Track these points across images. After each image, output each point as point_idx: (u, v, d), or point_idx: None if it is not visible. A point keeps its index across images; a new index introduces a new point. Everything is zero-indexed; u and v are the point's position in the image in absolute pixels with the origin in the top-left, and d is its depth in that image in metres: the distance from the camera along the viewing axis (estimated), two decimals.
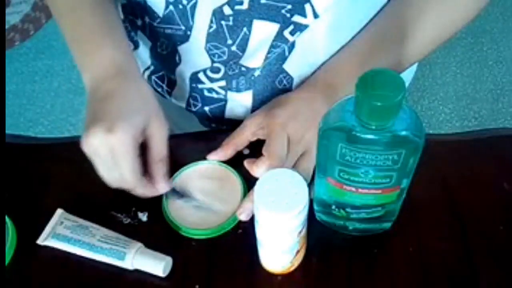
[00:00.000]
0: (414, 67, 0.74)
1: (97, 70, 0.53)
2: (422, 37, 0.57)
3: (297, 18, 0.55)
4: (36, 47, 2.00)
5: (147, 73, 0.69)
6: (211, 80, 0.63)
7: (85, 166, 0.50)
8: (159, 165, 0.52)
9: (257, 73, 0.61)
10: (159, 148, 0.52)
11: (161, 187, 0.53)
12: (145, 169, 0.52)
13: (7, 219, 0.54)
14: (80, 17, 0.56)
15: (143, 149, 0.52)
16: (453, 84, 1.84)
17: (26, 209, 0.57)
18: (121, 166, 0.49)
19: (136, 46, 0.68)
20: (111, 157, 0.49)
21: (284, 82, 0.62)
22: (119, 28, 0.57)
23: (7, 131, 0.62)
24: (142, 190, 0.52)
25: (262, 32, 0.56)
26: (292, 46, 0.58)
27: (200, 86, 0.64)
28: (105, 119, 0.48)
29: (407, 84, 0.70)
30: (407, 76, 0.73)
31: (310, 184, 0.52)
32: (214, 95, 0.65)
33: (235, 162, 0.57)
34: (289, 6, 0.54)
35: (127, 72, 0.54)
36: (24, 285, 0.52)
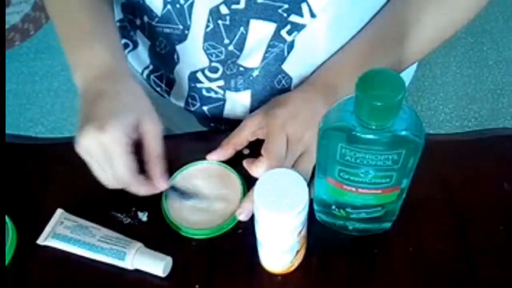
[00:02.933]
0: (414, 66, 0.74)
1: (88, 70, 0.53)
2: (422, 36, 0.57)
3: (294, 18, 0.55)
4: (36, 47, 2.00)
5: (146, 72, 0.69)
6: (210, 79, 0.63)
7: (85, 166, 0.50)
8: (155, 162, 0.52)
9: (255, 73, 0.61)
10: (154, 145, 0.52)
11: (160, 184, 0.53)
12: (142, 168, 0.52)
13: (7, 219, 0.54)
14: (73, 16, 0.56)
15: (138, 149, 0.52)
16: (453, 84, 1.84)
17: (26, 209, 0.57)
18: (115, 164, 0.49)
19: (135, 46, 0.68)
20: (105, 156, 0.49)
21: (283, 82, 0.62)
22: (112, 29, 0.57)
23: (7, 131, 0.62)
24: (139, 188, 0.52)
25: (259, 31, 0.56)
26: (291, 46, 0.58)
27: (198, 85, 0.64)
28: (96, 118, 0.49)
29: (407, 84, 0.70)
30: (407, 75, 0.73)
31: (310, 184, 0.52)
32: (213, 94, 0.65)
33: (235, 162, 0.57)
34: (286, 6, 0.54)
35: (118, 72, 0.54)
36: (24, 285, 0.52)
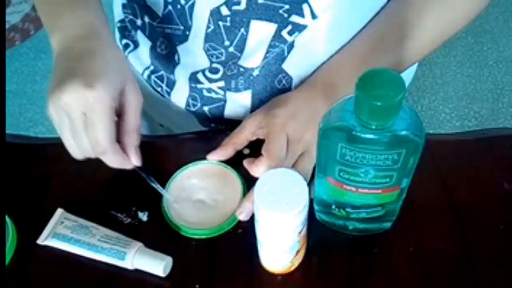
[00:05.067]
0: (414, 67, 0.74)
1: (70, 30, 0.50)
2: (422, 37, 0.57)
3: (295, 18, 0.55)
4: (36, 47, 2.00)
5: (146, 72, 0.69)
6: (210, 80, 0.63)
7: (85, 166, 0.50)
8: (133, 134, 0.50)
9: (256, 73, 0.61)
10: (134, 117, 0.50)
11: (132, 158, 0.51)
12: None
13: (7, 219, 0.54)
14: None
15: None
16: (453, 84, 1.84)
17: (26, 209, 0.57)
18: (96, 127, 0.46)
19: (136, 46, 0.68)
20: (85, 116, 0.45)
21: (283, 82, 0.62)
22: (97, 4, 0.54)
23: (7, 131, 0.62)
24: (113, 157, 0.49)
25: (260, 32, 0.56)
26: (291, 46, 0.58)
27: (199, 86, 0.64)
28: (83, 74, 0.45)
29: (407, 84, 0.70)
30: (407, 76, 0.73)
31: (310, 184, 0.52)
32: (213, 95, 0.65)
33: (235, 162, 0.57)
34: (287, 6, 0.54)
35: (102, 34, 0.51)
36: (24, 285, 0.52)
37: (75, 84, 0.44)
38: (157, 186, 0.55)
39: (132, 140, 0.51)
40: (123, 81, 0.49)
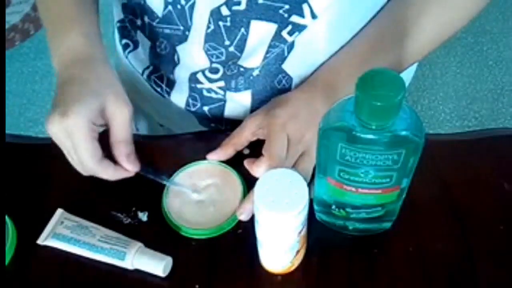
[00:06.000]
0: (414, 66, 0.74)
1: (63, 54, 0.54)
2: (422, 37, 0.57)
3: (295, 19, 0.55)
4: (36, 47, 2.00)
5: (146, 72, 0.69)
6: (210, 80, 0.63)
7: None
8: (121, 146, 0.52)
9: (256, 72, 0.61)
10: (120, 129, 0.52)
11: (128, 167, 0.53)
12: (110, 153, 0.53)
13: (7, 219, 0.54)
14: (55, 4, 0.57)
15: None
16: (453, 84, 1.84)
17: (26, 209, 0.57)
18: (78, 150, 0.49)
19: (135, 46, 0.68)
20: (70, 141, 0.49)
21: (283, 82, 0.62)
22: (91, 15, 0.58)
23: (7, 131, 0.62)
24: (104, 174, 0.52)
25: (260, 32, 0.56)
26: (291, 46, 0.58)
27: (199, 86, 0.64)
28: (61, 104, 0.49)
29: (407, 84, 0.70)
30: (407, 76, 0.73)
31: (310, 184, 0.52)
32: (213, 95, 0.65)
33: (235, 162, 0.57)
34: (287, 6, 0.54)
35: (89, 59, 0.54)
36: (24, 285, 0.52)
37: (54, 115, 0.49)
38: (172, 182, 0.56)
39: (121, 151, 0.53)
40: (104, 100, 0.51)
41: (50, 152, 0.62)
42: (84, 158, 0.50)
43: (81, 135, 0.49)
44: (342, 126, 0.42)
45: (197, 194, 0.56)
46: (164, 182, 0.56)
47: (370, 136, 0.41)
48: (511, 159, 0.60)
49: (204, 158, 0.58)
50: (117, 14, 0.68)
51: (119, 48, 0.71)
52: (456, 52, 1.93)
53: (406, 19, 0.57)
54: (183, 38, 0.60)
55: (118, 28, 0.69)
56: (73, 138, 0.49)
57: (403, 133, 0.41)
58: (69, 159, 0.52)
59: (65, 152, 0.51)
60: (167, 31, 0.60)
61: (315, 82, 0.58)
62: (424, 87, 1.83)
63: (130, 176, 0.54)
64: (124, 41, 0.69)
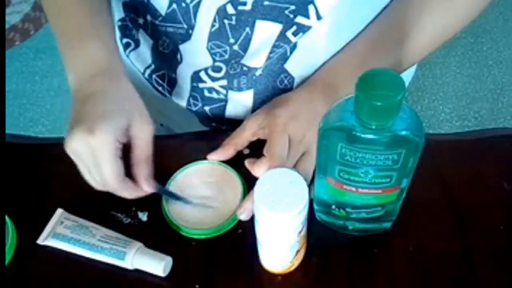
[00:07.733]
0: (414, 66, 0.74)
1: (81, 69, 0.53)
2: (422, 37, 0.57)
3: (300, 19, 0.55)
4: (36, 47, 2.00)
5: (147, 71, 0.69)
6: (213, 79, 0.63)
7: None
8: (142, 166, 0.51)
9: (258, 72, 0.61)
10: (142, 149, 0.51)
11: (146, 188, 0.52)
12: (129, 171, 0.51)
13: (7, 219, 0.54)
14: (69, 15, 0.56)
15: (127, 150, 0.51)
16: (453, 84, 1.84)
17: (26, 209, 0.57)
18: (102, 169, 0.48)
19: (137, 45, 0.68)
20: (93, 160, 0.48)
21: (285, 82, 0.62)
22: (107, 27, 0.57)
23: (7, 131, 0.62)
24: (125, 193, 0.51)
25: (265, 32, 0.56)
26: (293, 46, 0.58)
27: (200, 85, 0.64)
28: (86, 120, 0.48)
29: (407, 84, 0.70)
30: (407, 76, 0.73)
31: (310, 184, 0.52)
32: (215, 95, 0.65)
33: (235, 162, 0.57)
34: (293, 7, 0.54)
35: (111, 72, 0.53)
36: (24, 285, 0.52)
37: (79, 132, 0.47)
38: (189, 200, 0.55)
39: (142, 171, 0.51)
40: (128, 118, 0.50)
41: (50, 152, 0.62)
42: (108, 178, 0.48)
43: (107, 153, 0.47)
44: (342, 126, 0.42)
45: (212, 210, 0.55)
46: (182, 202, 0.55)
47: (370, 136, 0.41)
48: (511, 159, 0.60)
49: (205, 158, 0.58)
50: (118, 12, 0.68)
51: (120, 47, 0.71)
52: (456, 52, 1.92)
53: (407, 20, 0.57)
54: (186, 37, 0.59)
55: (119, 27, 0.69)
56: (97, 156, 0.47)
57: (403, 133, 0.41)
58: (86, 175, 0.50)
59: (82, 168, 0.50)
60: (170, 29, 0.60)
61: (315, 82, 0.58)
62: (424, 87, 1.83)
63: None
64: (125, 40, 0.69)
